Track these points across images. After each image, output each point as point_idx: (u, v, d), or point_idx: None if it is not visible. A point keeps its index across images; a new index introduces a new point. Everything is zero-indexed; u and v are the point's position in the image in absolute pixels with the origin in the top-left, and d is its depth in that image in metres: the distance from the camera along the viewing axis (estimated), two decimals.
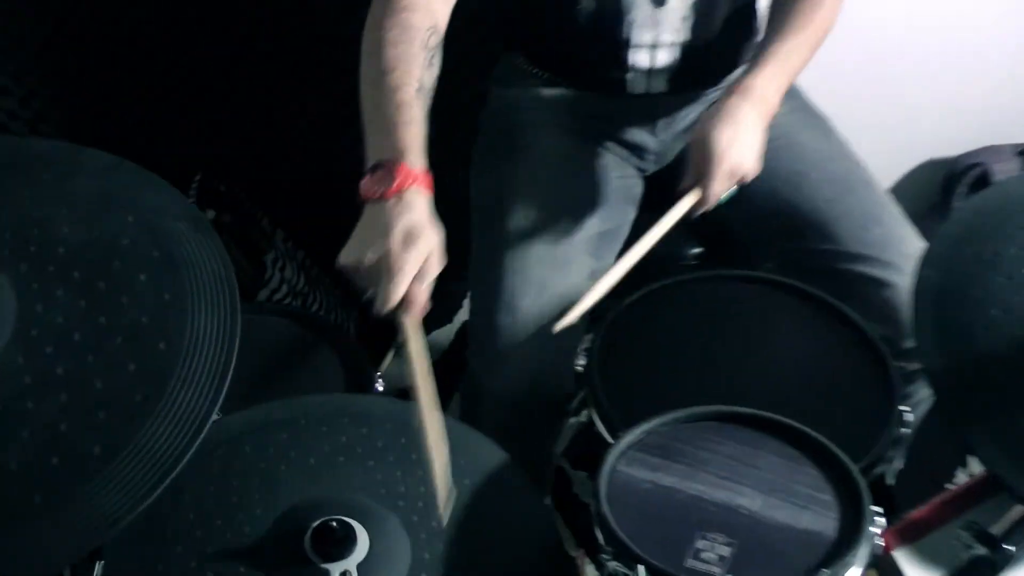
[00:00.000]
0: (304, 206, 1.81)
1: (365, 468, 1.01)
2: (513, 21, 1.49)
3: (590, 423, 1.16)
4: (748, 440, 1.03)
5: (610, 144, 1.49)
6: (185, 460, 0.79)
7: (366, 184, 1.06)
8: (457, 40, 1.24)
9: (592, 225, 1.38)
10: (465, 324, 1.77)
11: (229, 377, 0.83)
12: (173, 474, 0.79)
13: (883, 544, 0.95)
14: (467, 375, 1.36)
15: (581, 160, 1.44)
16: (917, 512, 1.00)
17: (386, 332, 1.81)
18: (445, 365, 1.60)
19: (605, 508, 0.95)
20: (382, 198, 1.04)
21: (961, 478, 1.22)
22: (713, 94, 1.47)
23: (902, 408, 1.13)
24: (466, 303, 1.49)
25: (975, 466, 1.18)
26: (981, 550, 0.93)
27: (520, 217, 1.35)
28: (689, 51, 1.39)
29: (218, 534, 0.94)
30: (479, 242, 1.39)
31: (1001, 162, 2.02)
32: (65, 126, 1.63)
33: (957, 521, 0.97)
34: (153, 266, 0.90)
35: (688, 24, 1.37)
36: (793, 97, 1.42)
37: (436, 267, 1.03)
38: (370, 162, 1.07)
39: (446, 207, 1.10)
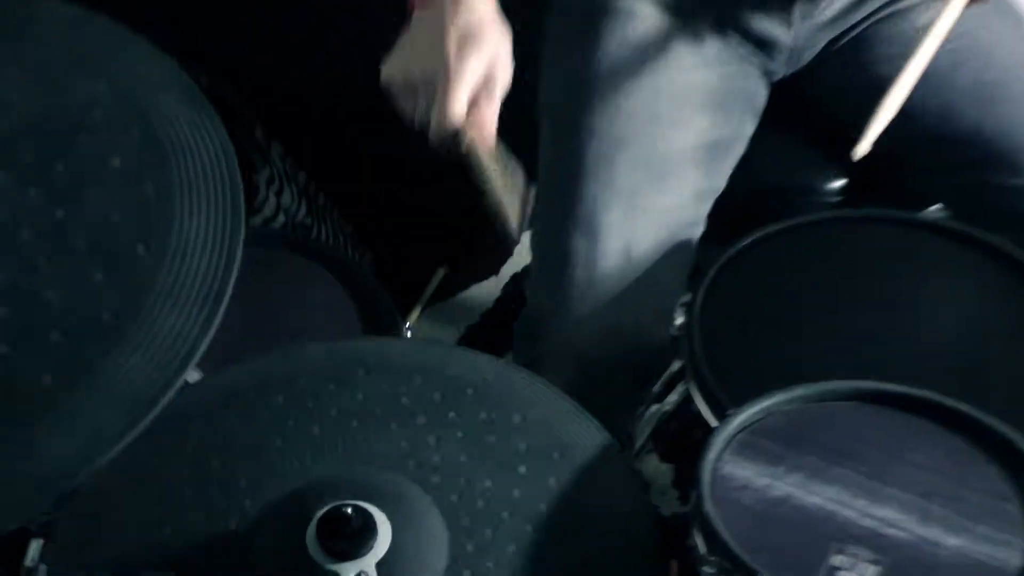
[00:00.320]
0: (310, 114, 1.82)
1: (387, 435, 1.01)
2: None
3: (686, 400, 1.16)
4: (899, 426, 1.01)
5: (731, 34, 1.46)
6: (165, 400, 0.79)
7: None
8: None
9: (701, 130, 1.37)
10: (516, 277, 1.77)
11: (227, 297, 0.83)
12: (147, 419, 0.79)
13: None
14: (522, 320, 1.37)
15: (691, 49, 1.43)
16: None
17: (413, 277, 1.81)
18: (488, 329, 1.60)
19: (709, 507, 0.93)
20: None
21: None
22: None
23: None
24: (520, 248, 1.49)
25: None
26: None
27: (606, 111, 1.35)
28: None
29: (193, 528, 0.95)
30: (549, 148, 1.39)
31: None
32: None
33: None
34: (131, 148, 0.89)
35: None
36: None
37: (504, 75, 1.04)
38: None
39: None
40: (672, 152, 1.36)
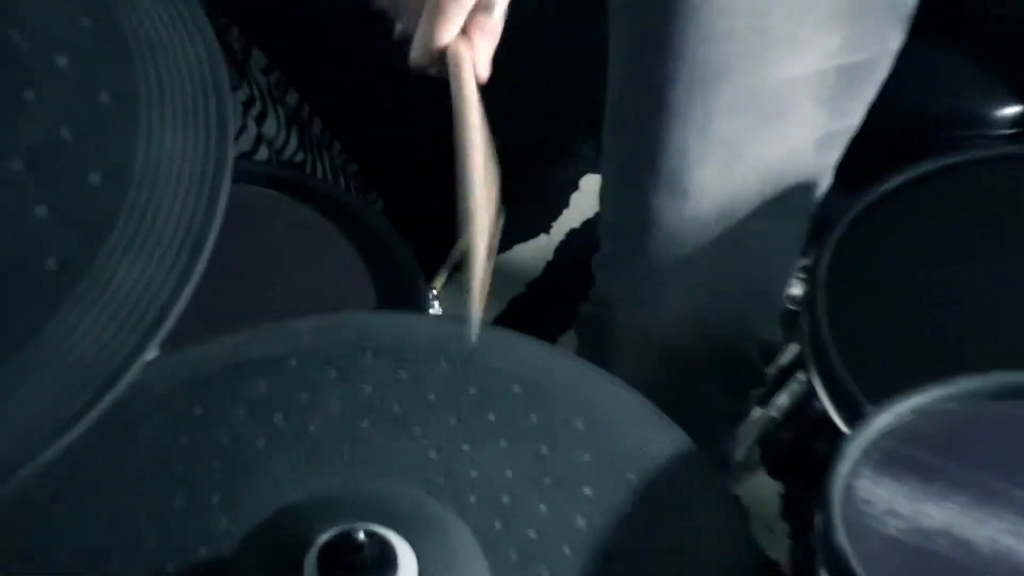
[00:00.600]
0: (301, 15, 1.84)
1: (407, 439, 1.01)
2: None
3: (806, 397, 1.17)
4: None
5: None
6: (126, 379, 0.78)
7: None
8: None
9: (827, 52, 1.35)
10: (570, 235, 1.76)
11: (209, 245, 0.83)
12: (102, 404, 0.78)
13: None
14: (590, 303, 1.38)
15: None
16: None
17: (438, 231, 1.80)
18: (538, 304, 1.60)
19: (842, 540, 0.92)
20: None
21: None
22: None
23: None
24: (578, 197, 1.48)
25: None
26: None
27: (699, 29, 1.33)
28: None
29: (151, 557, 0.94)
30: (622, 75, 1.38)
31: None
32: None
33: None
34: (82, 43, 0.89)
35: None
36: None
37: None
38: None
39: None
40: (787, 83, 1.34)
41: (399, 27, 1.13)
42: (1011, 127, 1.48)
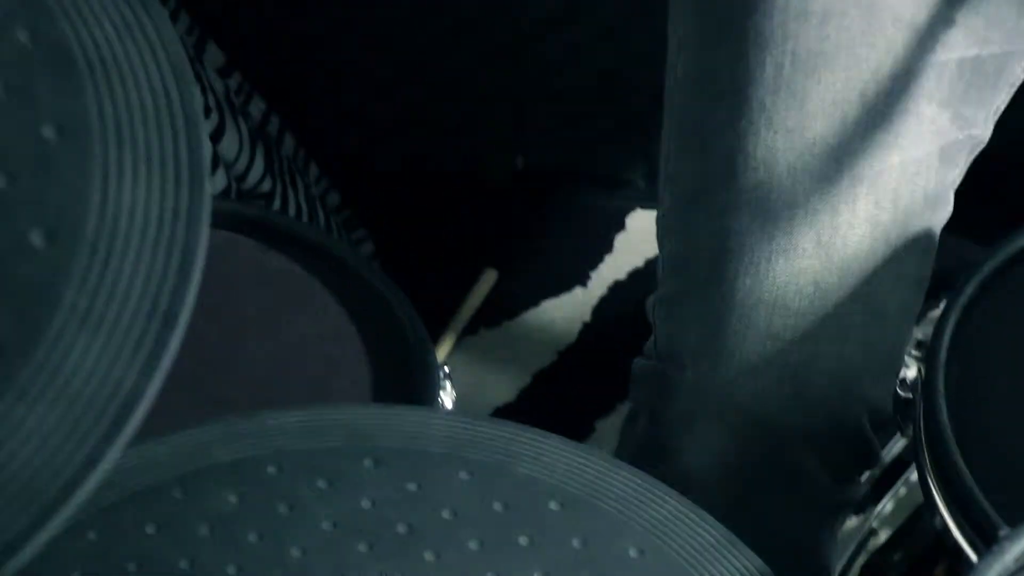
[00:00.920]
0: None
1: (418, 567, 1.04)
2: None
3: (921, 510, 1.19)
4: None
5: None
6: (85, 489, 0.78)
7: None
8: None
9: (952, 42, 1.38)
10: (614, 289, 1.77)
11: (183, 317, 0.83)
12: (55, 519, 0.78)
13: None
14: (647, 358, 1.38)
15: None
16: None
17: (444, 281, 1.82)
18: (571, 373, 1.60)
19: None
20: None
21: None
22: None
23: None
24: (624, 239, 1.49)
25: None
26: None
27: (789, 10, 1.36)
28: None
29: None
30: (687, 75, 1.42)
31: None
32: None
33: None
34: (17, 64, 0.90)
35: None
36: None
37: None
38: None
39: None
40: (900, 76, 1.35)
41: None
42: None
